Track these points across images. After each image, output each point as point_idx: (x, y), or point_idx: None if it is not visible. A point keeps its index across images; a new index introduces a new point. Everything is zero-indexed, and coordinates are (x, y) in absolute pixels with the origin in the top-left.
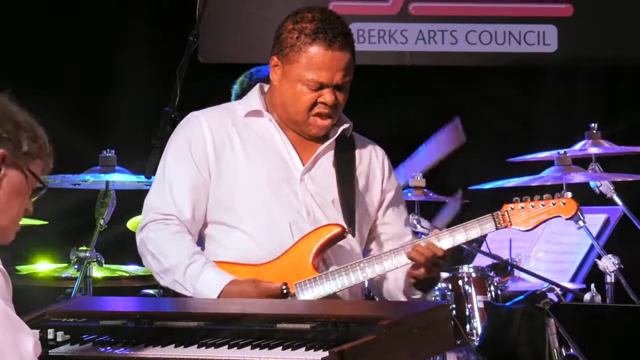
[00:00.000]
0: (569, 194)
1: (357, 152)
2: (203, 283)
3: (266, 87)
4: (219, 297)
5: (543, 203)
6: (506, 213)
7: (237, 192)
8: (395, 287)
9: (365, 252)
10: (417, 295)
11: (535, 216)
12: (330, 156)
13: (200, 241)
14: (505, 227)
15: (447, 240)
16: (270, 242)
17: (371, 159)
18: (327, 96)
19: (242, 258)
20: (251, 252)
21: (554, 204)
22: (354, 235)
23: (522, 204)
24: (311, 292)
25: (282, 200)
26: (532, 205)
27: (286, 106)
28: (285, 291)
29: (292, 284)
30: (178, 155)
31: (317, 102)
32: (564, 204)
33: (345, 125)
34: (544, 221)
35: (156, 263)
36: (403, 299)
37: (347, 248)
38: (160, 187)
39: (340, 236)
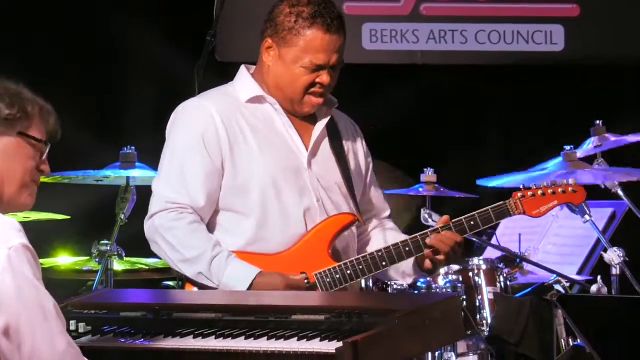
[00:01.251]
0: (575, 180)
1: (341, 129)
2: (230, 276)
3: (251, 68)
4: (248, 289)
5: (553, 190)
6: (518, 201)
7: (251, 180)
8: (395, 272)
9: None
10: (411, 278)
11: (545, 203)
12: (326, 140)
13: (209, 228)
14: (519, 214)
15: (462, 229)
16: (283, 232)
17: (353, 135)
18: (324, 77)
19: (251, 246)
20: (262, 242)
21: (563, 192)
22: (363, 224)
23: (532, 192)
24: (332, 282)
25: (294, 188)
26: (542, 193)
27: (281, 87)
28: (307, 282)
29: (310, 274)
30: (190, 144)
31: (314, 83)
32: (573, 191)
33: (335, 105)
34: (554, 207)
35: (175, 253)
36: (401, 280)
37: (347, 235)
38: (172, 177)
39: (353, 224)
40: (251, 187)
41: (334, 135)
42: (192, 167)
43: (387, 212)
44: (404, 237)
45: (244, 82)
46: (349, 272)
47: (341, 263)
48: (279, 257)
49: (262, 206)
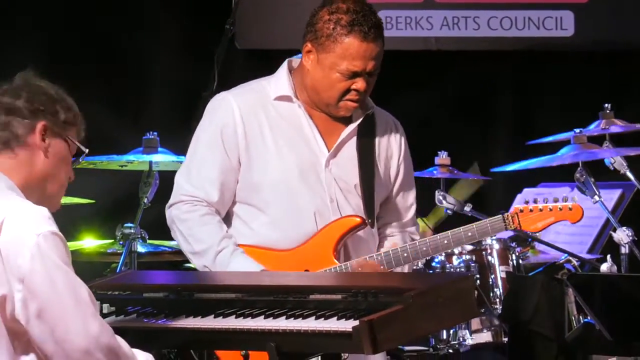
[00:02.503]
0: (576, 199)
1: (377, 131)
2: (233, 270)
3: (294, 61)
4: None
5: (551, 207)
6: (516, 215)
7: (266, 177)
8: None
9: None
10: None
11: (543, 219)
12: (353, 140)
13: (228, 219)
14: (515, 229)
15: (459, 238)
16: (295, 230)
17: (390, 137)
18: (359, 83)
19: (265, 242)
20: (274, 238)
21: (560, 209)
22: (372, 226)
23: (531, 207)
24: None
25: (308, 187)
26: (540, 209)
27: (318, 90)
28: None
29: (313, 272)
30: (209, 139)
31: (349, 89)
32: (570, 209)
33: (369, 112)
34: (551, 224)
35: (187, 244)
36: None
37: (364, 237)
38: (190, 170)
39: (360, 227)
40: (265, 183)
41: (367, 136)
42: (209, 162)
43: (409, 217)
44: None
45: (279, 79)
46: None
47: (341, 264)
48: (286, 253)
49: (274, 203)
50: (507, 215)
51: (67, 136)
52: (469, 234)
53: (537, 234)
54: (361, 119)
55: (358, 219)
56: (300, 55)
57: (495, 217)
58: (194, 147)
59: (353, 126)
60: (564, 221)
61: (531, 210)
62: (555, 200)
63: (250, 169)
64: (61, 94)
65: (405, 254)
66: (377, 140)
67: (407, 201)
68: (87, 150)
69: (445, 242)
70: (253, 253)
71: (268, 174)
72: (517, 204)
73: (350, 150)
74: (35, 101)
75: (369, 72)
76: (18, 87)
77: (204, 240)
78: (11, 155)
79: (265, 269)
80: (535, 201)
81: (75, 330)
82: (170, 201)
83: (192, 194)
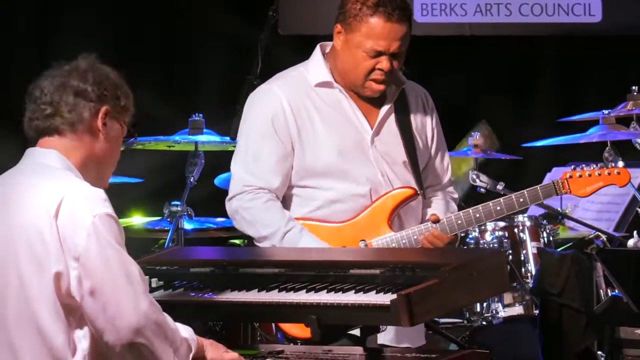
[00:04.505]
0: (621, 163)
1: (410, 103)
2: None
3: (327, 46)
4: None
5: (599, 172)
6: (566, 181)
7: (319, 160)
8: None
9: None
10: None
11: (591, 183)
12: (392, 117)
13: (284, 202)
14: (565, 193)
15: (511, 205)
16: (351, 205)
17: (422, 107)
18: (384, 63)
19: (325, 217)
20: (333, 213)
21: (609, 173)
22: (424, 197)
23: (579, 172)
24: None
25: (360, 165)
26: (588, 174)
27: (346, 70)
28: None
29: (370, 241)
30: (262, 130)
31: (374, 69)
32: (618, 173)
33: (403, 86)
34: (600, 188)
35: (254, 230)
36: None
37: (414, 206)
38: (247, 161)
39: (413, 198)
40: (319, 165)
41: (402, 111)
42: (266, 152)
43: (447, 178)
44: (453, 207)
45: (316, 65)
46: (403, 241)
47: (397, 233)
48: (343, 225)
49: (329, 184)
50: (557, 181)
51: (123, 120)
52: (521, 199)
53: (568, 210)
54: (396, 96)
55: (411, 190)
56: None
57: (546, 183)
58: (246, 139)
59: (390, 103)
60: (612, 185)
61: (580, 176)
62: (602, 166)
63: (303, 154)
64: (121, 79)
65: (460, 221)
66: (411, 112)
67: (444, 164)
68: (136, 135)
69: (498, 208)
70: (311, 227)
71: (321, 156)
72: (548, 180)
73: (390, 126)
74: (102, 86)
75: (393, 52)
76: (85, 71)
77: (270, 224)
78: (74, 137)
79: (330, 246)
80: (582, 167)
81: (127, 307)
82: (231, 194)
83: (253, 184)
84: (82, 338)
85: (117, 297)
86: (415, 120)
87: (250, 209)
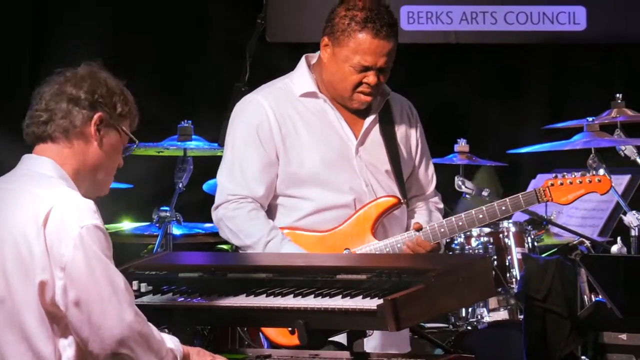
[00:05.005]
0: (602, 171)
1: (395, 114)
2: None
3: (312, 57)
4: None
5: (580, 180)
6: (547, 189)
7: (304, 168)
8: None
9: None
10: None
11: (573, 191)
12: (377, 127)
13: (269, 212)
14: (547, 201)
15: (494, 212)
16: (335, 213)
17: (407, 119)
18: (371, 77)
19: (309, 226)
20: (317, 222)
21: (590, 181)
22: (408, 206)
23: (561, 180)
24: None
25: (344, 175)
26: (570, 182)
27: (333, 83)
28: None
29: (354, 250)
30: (246, 139)
31: (361, 82)
32: (599, 181)
33: (388, 97)
34: (581, 196)
35: (237, 240)
36: None
37: (398, 215)
38: (232, 170)
39: (396, 206)
40: (303, 174)
41: (387, 121)
42: (250, 161)
43: (431, 188)
44: (437, 216)
45: (301, 76)
46: (387, 249)
47: (381, 241)
48: (329, 234)
49: (314, 193)
50: (539, 189)
51: (120, 127)
52: (503, 207)
53: (552, 217)
54: (381, 107)
55: (395, 199)
56: (317, 52)
57: (528, 191)
58: (231, 148)
59: (375, 114)
60: (593, 192)
61: (561, 184)
62: (584, 174)
63: (288, 163)
64: (121, 87)
65: (443, 229)
66: (396, 123)
67: (428, 174)
68: (137, 142)
69: (481, 216)
70: (295, 236)
71: (305, 165)
72: (532, 187)
73: (375, 136)
74: (96, 93)
75: (380, 67)
76: (82, 78)
77: (253, 234)
78: (67, 144)
79: (310, 253)
80: (564, 175)
81: (111, 318)
82: (216, 202)
83: (237, 193)
84: (67, 347)
85: (102, 308)
86: (400, 130)
87: (234, 218)
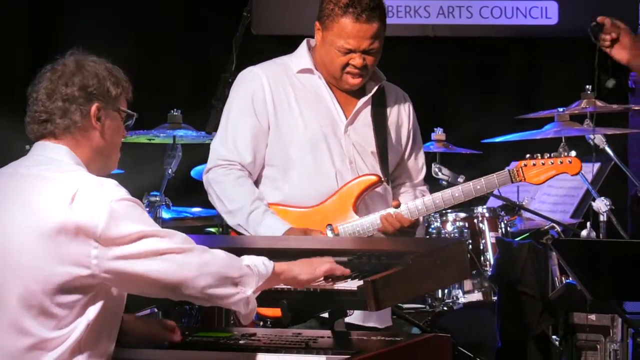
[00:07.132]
0: (574, 153)
1: (389, 102)
2: (265, 228)
3: (312, 41)
4: None
5: (552, 161)
6: (520, 169)
7: (293, 141)
8: None
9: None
10: None
11: (545, 172)
12: (368, 109)
13: (257, 181)
14: (520, 181)
15: (469, 191)
16: (317, 188)
17: (400, 107)
18: (357, 60)
19: (290, 200)
20: (299, 196)
21: (561, 162)
22: (388, 184)
23: (533, 162)
24: (352, 234)
25: (330, 150)
26: (542, 163)
27: (325, 64)
28: (332, 233)
29: (336, 225)
30: (241, 107)
31: (348, 64)
32: (570, 162)
33: (381, 82)
34: (553, 176)
35: (221, 205)
36: None
37: (381, 193)
38: (224, 136)
39: (377, 184)
40: (291, 146)
41: (380, 106)
42: (242, 128)
43: (420, 177)
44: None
45: (300, 55)
46: (367, 225)
47: (362, 218)
48: (310, 210)
49: (299, 162)
50: (513, 170)
51: (118, 108)
52: (478, 187)
53: (525, 202)
54: (374, 91)
55: (375, 177)
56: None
57: (502, 171)
58: (227, 115)
59: (367, 97)
60: (564, 173)
61: (534, 165)
62: (556, 155)
63: (278, 132)
64: (110, 68)
65: (421, 207)
66: (388, 109)
67: (418, 164)
68: (136, 115)
69: (457, 194)
70: (279, 211)
71: (294, 136)
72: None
73: (365, 118)
74: (88, 86)
75: (364, 50)
76: (72, 73)
77: (237, 200)
78: (72, 137)
79: (292, 226)
80: (536, 156)
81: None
82: (208, 166)
83: (227, 158)
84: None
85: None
86: (391, 117)
87: (222, 183)
